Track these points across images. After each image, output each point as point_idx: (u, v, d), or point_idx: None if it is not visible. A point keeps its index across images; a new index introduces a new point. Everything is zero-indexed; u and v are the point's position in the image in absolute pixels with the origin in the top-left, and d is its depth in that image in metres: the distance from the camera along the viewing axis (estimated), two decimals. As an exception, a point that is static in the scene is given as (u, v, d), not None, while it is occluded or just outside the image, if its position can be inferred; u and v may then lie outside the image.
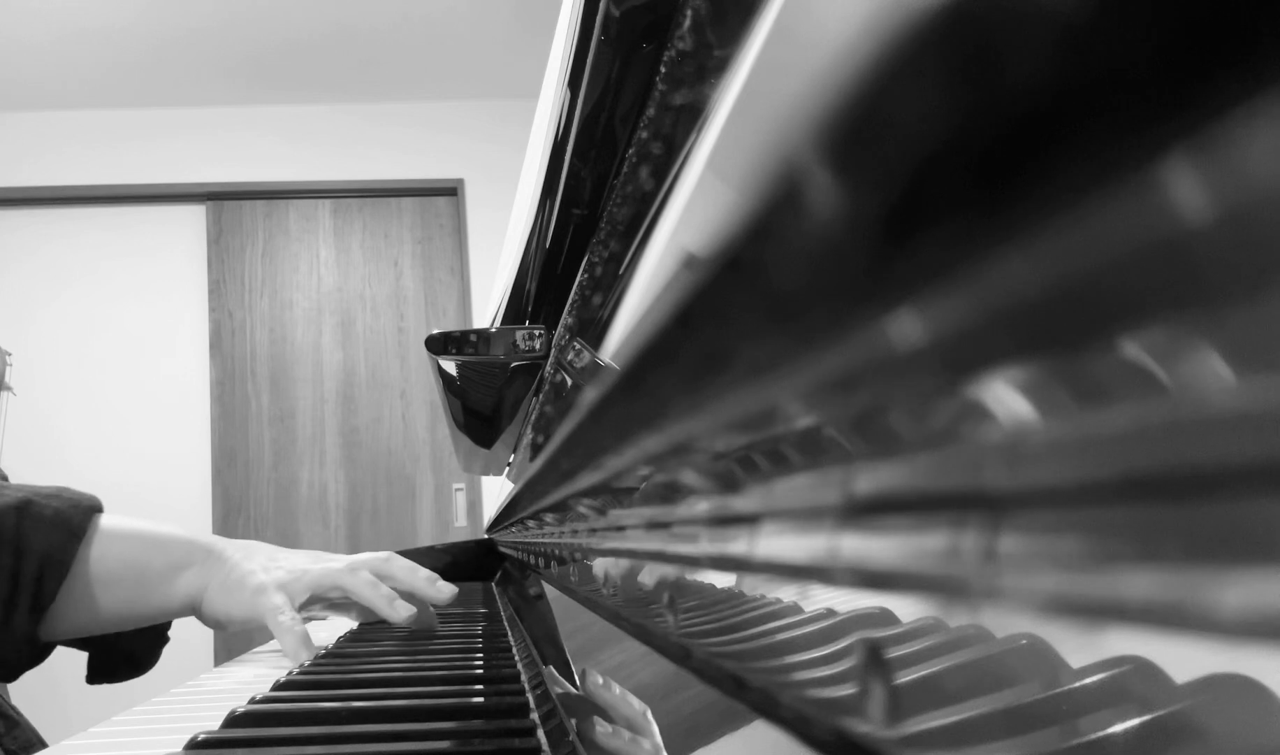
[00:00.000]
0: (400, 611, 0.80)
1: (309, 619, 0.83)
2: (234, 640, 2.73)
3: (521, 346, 0.60)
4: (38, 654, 0.73)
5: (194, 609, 0.77)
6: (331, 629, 0.96)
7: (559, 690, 0.48)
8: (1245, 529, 0.07)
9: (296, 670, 0.65)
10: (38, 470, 2.90)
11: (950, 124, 0.08)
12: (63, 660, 0.83)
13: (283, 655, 0.78)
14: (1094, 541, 0.09)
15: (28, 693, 1.39)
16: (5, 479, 1.13)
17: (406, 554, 1.57)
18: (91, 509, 0.73)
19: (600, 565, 0.45)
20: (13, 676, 0.76)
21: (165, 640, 0.88)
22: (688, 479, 0.25)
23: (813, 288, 0.12)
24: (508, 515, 1.09)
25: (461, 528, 3.21)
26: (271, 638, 0.80)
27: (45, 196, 3.23)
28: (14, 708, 0.86)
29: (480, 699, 0.53)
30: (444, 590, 0.84)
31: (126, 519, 0.76)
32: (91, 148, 3.25)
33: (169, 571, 0.75)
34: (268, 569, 0.79)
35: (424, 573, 0.85)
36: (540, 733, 0.44)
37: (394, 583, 0.83)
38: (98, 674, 0.89)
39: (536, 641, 0.70)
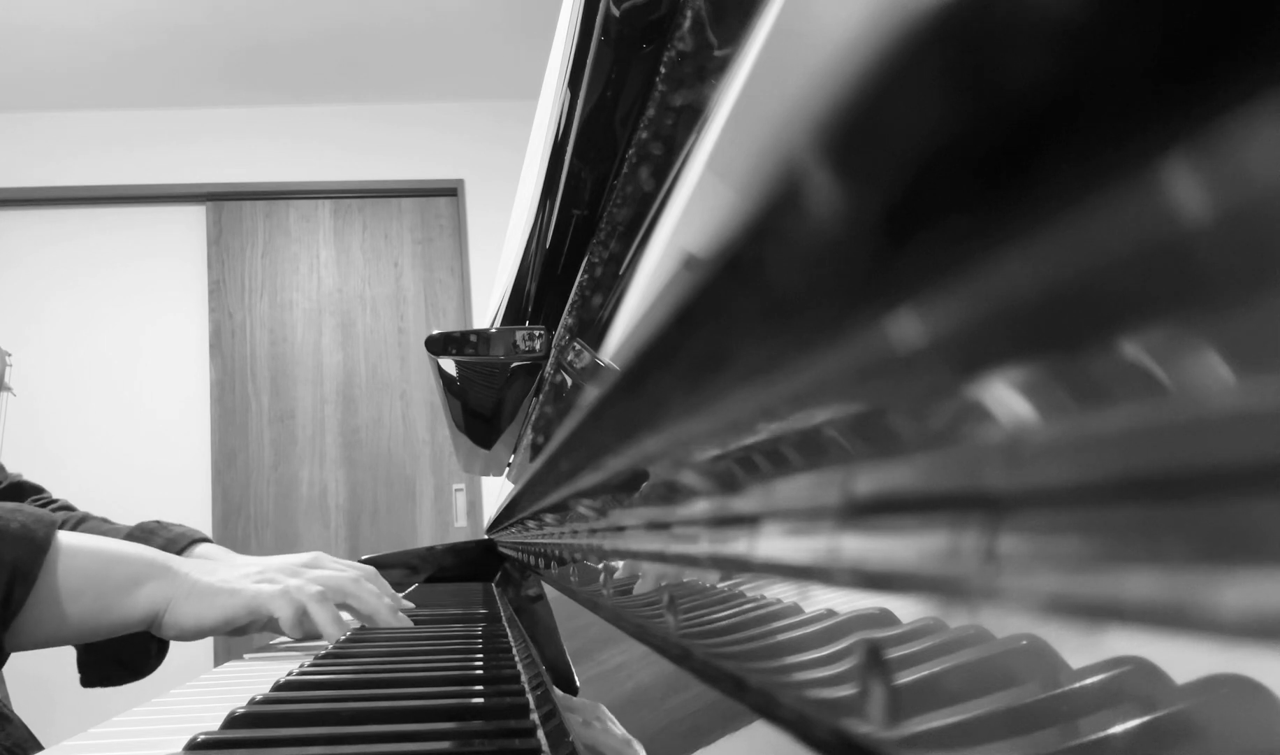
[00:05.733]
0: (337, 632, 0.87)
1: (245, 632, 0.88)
2: (233, 641, 2.72)
3: (521, 347, 0.60)
4: None
5: (154, 622, 0.80)
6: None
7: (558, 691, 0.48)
8: (1245, 529, 0.07)
9: (296, 670, 0.65)
10: (38, 470, 2.89)
11: (950, 124, 0.08)
12: (56, 663, 0.84)
13: (277, 655, 0.79)
14: (1094, 541, 0.09)
15: (22, 694, 1.39)
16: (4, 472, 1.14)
17: (402, 555, 1.58)
18: (53, 525, 0.75)
19: (600, 565, 0.45)
20: None
21: (162, 645, 0.88)
22: (688, 480, 0.25)
23: (812, 288, 0.12)
24: (508, 516, 1.09)
25: (461, 528, 3.20)
26: (253, 642, 0.83)
27: (45, 197, 3.23)
28: (7, 706, 0.86)
29: (480, 700, 0.53)
30: (402, 620, 0.94)
31: (85, 536, 0.79)
32: (91, 148, 3.25)
33: (129, 585, 0.78)
34: (237, 569, 0.86)
35: (388, 602, 0.94)
36: (540, 733, 0.44)
37: (356, 603, 0.92)
38: (91, 678, 0.90)
39: (536, 642, 0.70)
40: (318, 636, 0.86)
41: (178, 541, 1.01)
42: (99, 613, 0.76)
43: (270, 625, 0.85)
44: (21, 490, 1.12)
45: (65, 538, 0.75)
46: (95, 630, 0.77)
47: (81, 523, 1.04)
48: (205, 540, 1.04)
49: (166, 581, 0.79)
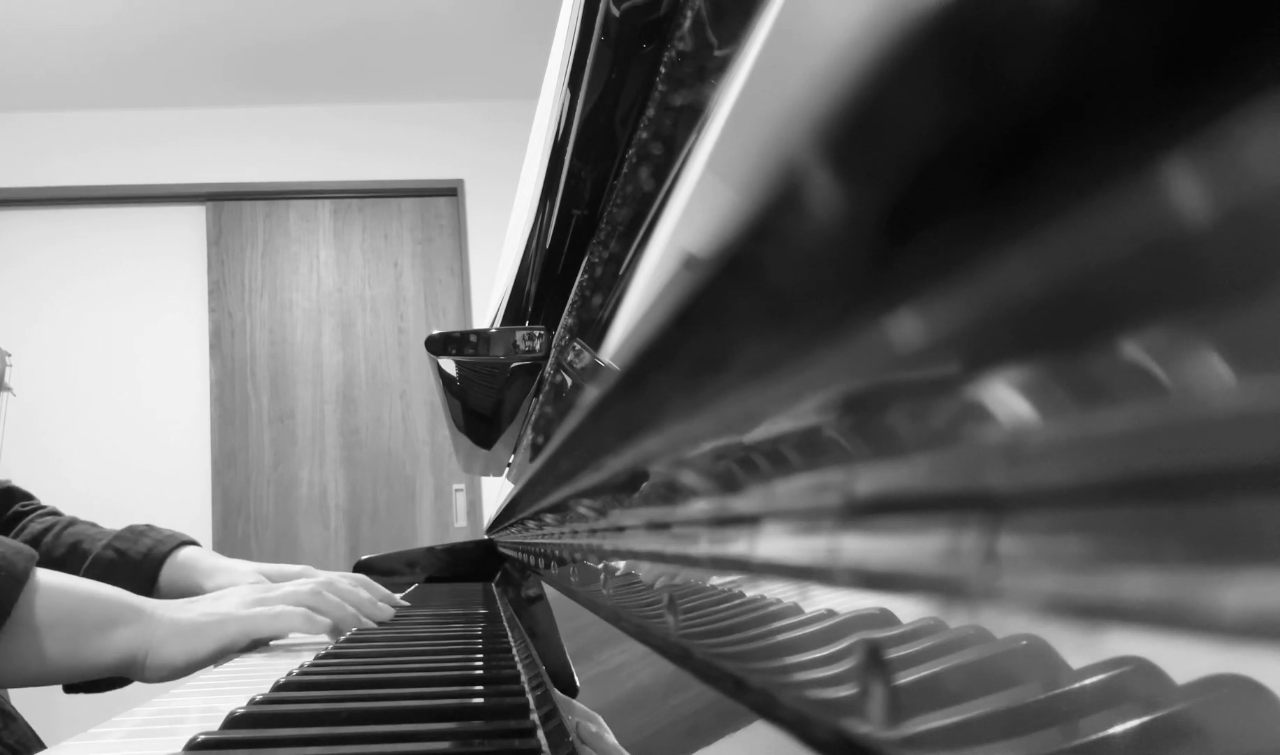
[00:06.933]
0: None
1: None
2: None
3: (521, 347, 0.60)
4: None
5: (134, 666, 0.79)
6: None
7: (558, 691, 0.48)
8: (1245, 529, 0.07)
9: (296, 670, 0.65)
10: (37, 470, 2.90)
11: (950, 124, 0.08)
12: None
13: (277, 655, 0.80)
14: (1094, 542, 0.09)
15: (25, 693, 1.39)
16: None
17: (402, 555, 1.58)
18: (33, 559, 0.75)
19: (600, 565, 0.45)
20: None
21: None
22: (688, 480, 0.25)
23: (813, 288, 0.12)
24: (508, 516, 1.09)
25: (461, 528, 3.20)
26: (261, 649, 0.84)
27: (45, 197, 3.23)
28: (11, 705, 0.86)
29: (480, 700, 0.53)
30: (365, 622, 0.94)
31: (61, 575, 0.78)
32: (91, 148, 3.25)
33: (104, 625, 0.77)
34: (218, 601, 0.86)
35: (350, 612, 0.93)
36: (540, 733, 0.44)
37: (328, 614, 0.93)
38: (73, 684, 0.90)
39: (536, 642, 0.70)
40: (338, 632, 0.89)
41: (166, 543, 1.02)
42: (72, 652, 0.75)
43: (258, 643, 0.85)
44: (11, 496, 1.12)
45: (43, 575, 0.75)
46: (65, 671, 0.76)
47: (69, 527, 1.05)
48: (192, 544, 1.05)
49: (141, 625, 0.79)
